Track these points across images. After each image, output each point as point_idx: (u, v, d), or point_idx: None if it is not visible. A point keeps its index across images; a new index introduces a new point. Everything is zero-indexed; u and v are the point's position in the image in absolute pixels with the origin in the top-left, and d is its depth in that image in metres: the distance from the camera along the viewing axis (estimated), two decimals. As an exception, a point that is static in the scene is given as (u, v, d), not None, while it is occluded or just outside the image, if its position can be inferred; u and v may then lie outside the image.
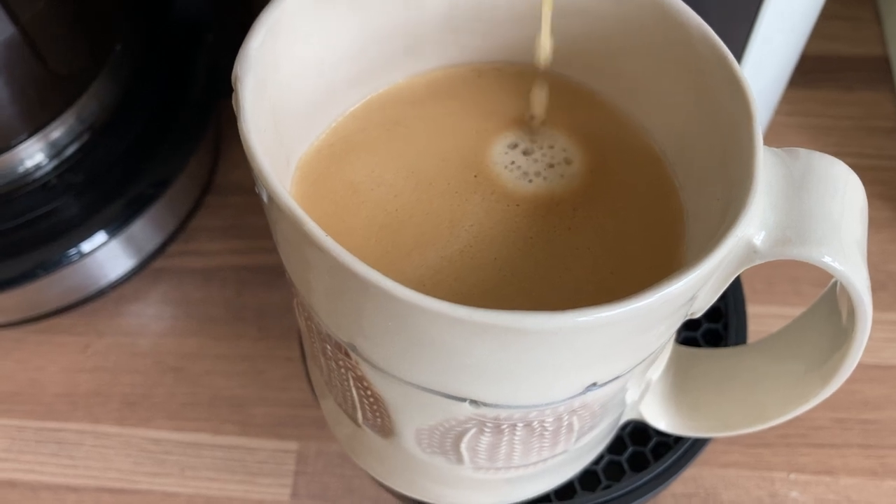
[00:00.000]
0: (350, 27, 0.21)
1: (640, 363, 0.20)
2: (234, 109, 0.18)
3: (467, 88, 0.24)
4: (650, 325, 0.18)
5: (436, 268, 0.20)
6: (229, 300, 0.37)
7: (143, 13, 0.38)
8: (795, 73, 0.37)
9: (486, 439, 0.21)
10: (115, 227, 0.34)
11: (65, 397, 0.35)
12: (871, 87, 0.42)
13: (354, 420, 0.24)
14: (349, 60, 0.22)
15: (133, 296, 0.37)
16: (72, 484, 0.33)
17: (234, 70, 0.18)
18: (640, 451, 0.30)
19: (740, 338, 0.32)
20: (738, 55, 0.30)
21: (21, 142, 0.33)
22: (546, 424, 0.21)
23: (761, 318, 0.35)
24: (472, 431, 0.21)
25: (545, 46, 0.22)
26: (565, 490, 0.29)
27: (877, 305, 0.22)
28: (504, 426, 0.20)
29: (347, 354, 0.20)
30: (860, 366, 0.22)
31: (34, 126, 0.33)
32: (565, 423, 0.21)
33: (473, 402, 0.19)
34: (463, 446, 0.22)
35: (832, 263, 0.18)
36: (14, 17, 0.29)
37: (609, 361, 0.19)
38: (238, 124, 0.18)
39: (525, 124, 0.23)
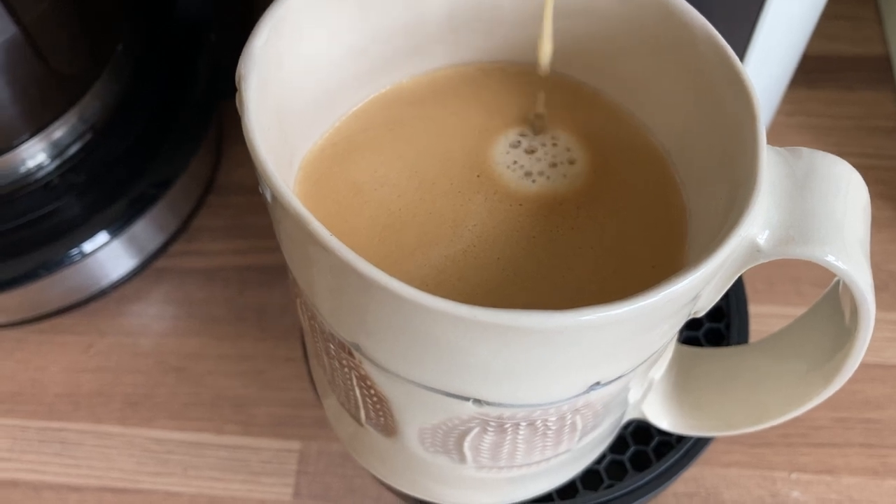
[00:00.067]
0: (353, 26, 0.21)
1: (643, 362, 0.20)
2: (238, 108, 0.18)
3: (470, 88, 0.24)
4: (653, 324, 0.18)
5: (439, 267, 0.20)
6: (231, 300, 0.37)
7: (144, 13, 0.38)
8: (796, 72, 0.37)
9: (489, 438, 0.21)
10: (116, 226, 0.34)
11: (67, 397, 0.35)
12: (871, 86, 0.42)
13: (357, 419, 0.24)
14: (352, 59, 0.22)
15: (135, 296, 0.37)
16: (74, 484, 0.33)
17: (237, 69, 0.18)
18: (642, 451, 0.30)
19: (742, 337, 0.32)
20: (740, 55, 0.30)
21: (23, 142, 0.33)
22: (549, 424, 0.21)
23: (763, 318, 0.35)
24: (476, 430, 0.21)
25: (546, 52, 0.22)
26: (567, 489, 0.29)
27: (879, 305, 0.22)
28: (507, 425, 0.20)
29: (351, 353, 0.20)
30: (862, 365, 0.22)
31: (36, 126, 0.33)
32: (568, 422, 0.21)
33: (477, 402, 0.19)
34: (466, 445, 0.22)
35: (835, 262, 0.18)
36: (17, 18, 0.29)
37: (612, 360, 0.19)
38: (242, 123, 0.18)
39: (528, 124, 0.23)
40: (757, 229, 0.18)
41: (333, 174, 0.22)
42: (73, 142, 0.34)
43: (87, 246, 0.34)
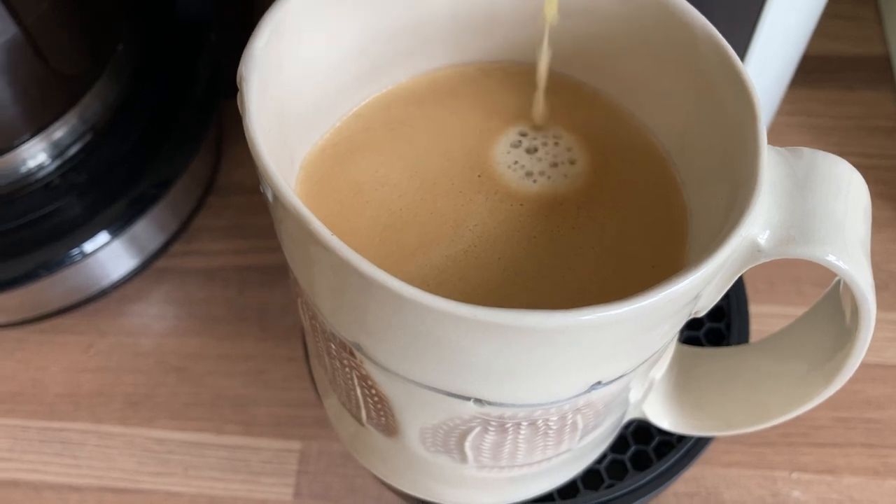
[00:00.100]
0: (354, 27, 0.22)
1: (644, 362, 0.20)
2: (240, 110, 0.18)
3: (471, 88, 0.24)
4: (654, 323, 0.18)
5: (440, 267, 0.20)
6: (231, 300, 0.37)
7: (144, 13, 0.38)
8: (797, 72, 0.37)
9: (490, 438, 0.21)
10: (117, 227, 0.34)
11: (67, 397, 0.35)
12: (872, 86, 0.42)
13: (358, 419, 0.24)
14: (353, 60, 0.22)
15: (135, 296, 0.37)
16: (75, 484, 0.33)
17: (239, 70, 0.19)
18: (642, 450, 0.30)
19: (743, 337, 0.32)
20: (741, 55, 0.30)
21: (24, 142, 0.33)
22: (550, 423, 0.21)
23: (763, 318, 0.35)
24: (477, 430, 0.21)
25: (545, 59, 0.22)
26: (568, 489, 0.29)
27: (879, 305, 0.22)
28: (508, 425, 0.20)
29: (352, 353, 0.20)
30: (862, 365, 0.22)
31: (37, 126, 0.33)
32: (569, 421, 0.21)
33: (478, 401, 0.19)
34: (467, 445, 0.22)
35: (836, 262, 0.18)
36: (17, 18, 0.29)
37: (613, 360, 0.19)
38: (243, 124, 0.18)
39: (528, 124, 0.23)
40: (758, 229, 0.18)
41: (334, 174, 0.22)
42: (74, 142, 0.34)
43: (88, 246, 0.34)
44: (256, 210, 0.39)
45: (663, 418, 0.28)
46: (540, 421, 0.20)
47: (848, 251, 0.18)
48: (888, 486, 0.32)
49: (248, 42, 0.19)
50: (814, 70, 0.42)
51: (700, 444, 0.30)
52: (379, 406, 0.22)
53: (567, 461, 0.25)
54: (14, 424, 0.34)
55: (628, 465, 0.30)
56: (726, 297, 0.32)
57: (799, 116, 0.41)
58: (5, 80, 0.31)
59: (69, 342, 0.36)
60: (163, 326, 0.36)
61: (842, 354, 0.22)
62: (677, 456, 0.30)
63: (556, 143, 0.23)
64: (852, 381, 0.23)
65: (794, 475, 0.32)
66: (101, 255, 0.34)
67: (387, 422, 0.22)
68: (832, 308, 0.23)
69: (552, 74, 0.23)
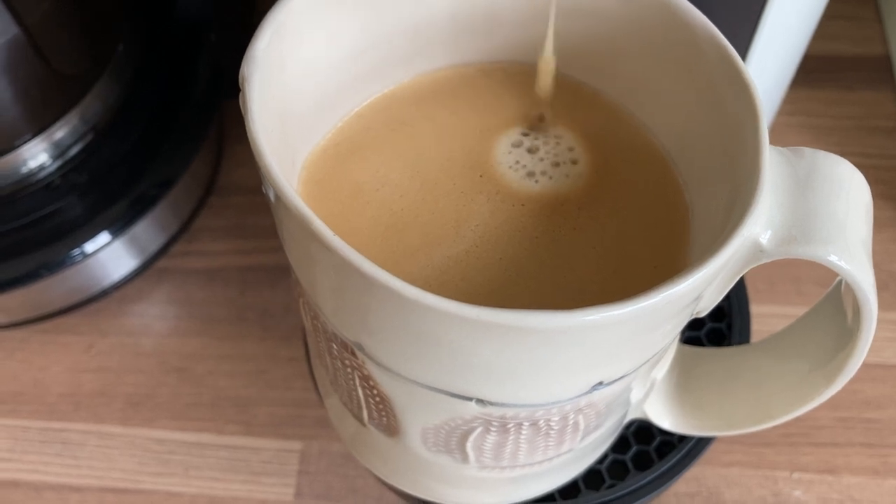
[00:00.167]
0: (355, 27, 0.22)
1: (646, 362, 0.20)
2: (242, 110, 0.18)
3: (472, 88, 0.24)
4: (656, 324, 0.18)
5: (441, 268, 0.20)
6: (232, 300, 0.37)
7: (144, 13, 0.38)
8: (797, 72, 0.37)
9: (491, 438, 0.21)
10: (118, 227, 0.34)
11: (68, 397, 0.35)
12: (872, 86, 0.42)
13: (360, 419, 0.24)
14: (353, 61, 0.22)
15: (136, 296, 0.37)
16: (75, 484, 0.33)
17: (241, 71, 0.19)
18: (644, 450, 0.30)
19: (744, 337, 0.32)
20: (742, 55, 0.30)
21: (24, 142, 0.33)
22: (552, 423, 0.21)
23: (764, 318, 0.35)
24: (478, 430, 0.21)
25: (548, 64, 0.22)
26: (569, 489, 0.29)
27: (880, 305, 0.22)
28: (510, 425, 0.20)
29: (353, 353, 0.20)
30: (863, 365, 0.22)
31: (37, 127, 0.33)
32: (571, 422, 0.21)
33: (479, 402, 0.19)
34: (468, 445, 0.22)
35: (838, 262, 0.18)
36: (18, 19, 0.29)
37: (615, 360, 0.19)
38: (246, 125, 0.18)
39: (530, 124, 0.23)
40: (759, 229, 0.18)
41: (336, 174, 0.22)
42: (75, 142, 0.34)
43: (89, 246, 0.34)
44: (257, 210, 0.39)
45: (664, 418, 0.28)
46: (542, 421, 0.20)
47: (850, 251, 0.18)
48: (888, 485, 0.32)
49: (249, 42, 0.19)
50: (814, 70, 0.42)
51: (701, 444, 0.30)
52: (380, 406, 0.22)
53: (568, 461, 0.25)
54: (15, 424, 0.34)
55: (629, 465, 0.30)
56: (727, 297, 0.33)
57: (799, 116, 0.41)
58: (6, 81, 0.31)
59: (70, 342, 0.36)
60: (164, 326, 0.36)
61: (843, 354, 0.22)
62: (678, 456, 0.30)
63: (558, 143, 0.23)
64: (852, 380, 0.23)
65: (795, 475, 0.32)
66: (102, 255, 0.34)
67: (388, 422, 0.22)
68: (833, 308, 0.23)
69: (554, 74, 0.23)
